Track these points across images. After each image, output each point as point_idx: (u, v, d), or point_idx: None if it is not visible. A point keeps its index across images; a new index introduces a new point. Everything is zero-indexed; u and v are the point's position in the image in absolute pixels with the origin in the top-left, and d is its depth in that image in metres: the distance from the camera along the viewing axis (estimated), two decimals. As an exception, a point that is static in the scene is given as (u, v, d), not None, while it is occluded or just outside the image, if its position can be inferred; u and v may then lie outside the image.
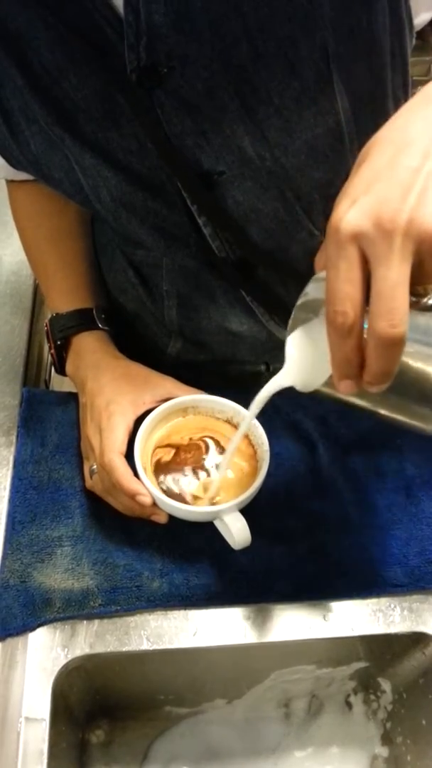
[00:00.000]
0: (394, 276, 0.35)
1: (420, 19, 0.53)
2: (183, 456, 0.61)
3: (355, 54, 0.50)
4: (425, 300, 0.37)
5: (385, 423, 0.45)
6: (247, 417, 0.51)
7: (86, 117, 0.54)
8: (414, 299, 0.36)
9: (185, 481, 0.60)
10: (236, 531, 0.56)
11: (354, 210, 0.36)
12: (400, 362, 0.37)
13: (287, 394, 0.46)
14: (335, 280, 0.37)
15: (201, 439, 0.62)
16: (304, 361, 0.43)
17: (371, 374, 0.38)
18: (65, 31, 0.50)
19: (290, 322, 0.44)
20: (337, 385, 0.40)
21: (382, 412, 0.44)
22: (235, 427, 0.63)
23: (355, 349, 0.37)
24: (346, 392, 0.40)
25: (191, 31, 0.48)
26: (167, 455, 0.61)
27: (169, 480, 0.60)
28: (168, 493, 0.58)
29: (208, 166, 0.55)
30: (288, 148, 0.54)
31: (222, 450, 0.61)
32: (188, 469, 0.60)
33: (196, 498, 0.58)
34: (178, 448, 0.62)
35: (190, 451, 0.61)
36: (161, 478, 0.60)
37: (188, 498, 0.58)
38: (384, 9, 0.49)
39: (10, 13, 0.50)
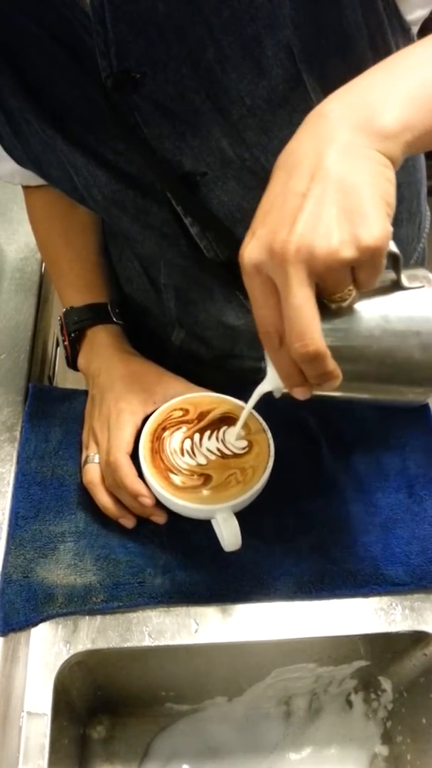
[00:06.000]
0: (296, 300, 0.37)
1: (416, 15, 0.52)
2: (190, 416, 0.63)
3: (326, 52, 0.50)
4: (341, 304, 0.41)
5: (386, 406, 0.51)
6: (246, 408, 0.57)
7: (75, 119, 0.55)
8: (334, 306, 0.41)
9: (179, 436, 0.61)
10: (227, 533, 0.56)
11: (252, 243, 0.39)
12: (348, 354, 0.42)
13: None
14: (254, 307, 0.41)
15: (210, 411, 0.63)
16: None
17: (312, 379, 0.41)
18: (48, 39, 0.51)
19: None
20: (291, 392, 0.43)
21: (362, 396, 0.48)
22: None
23: (290, 361, 0.41)
24: (301, 397, 0.43)
25: (157, 38, 0.48)
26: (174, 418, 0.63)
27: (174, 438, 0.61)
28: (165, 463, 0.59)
29: (190, 168, 0.56)
30: (266, 148, 0.54)
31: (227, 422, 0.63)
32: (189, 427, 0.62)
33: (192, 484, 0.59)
34: (186, 411, 0.63)
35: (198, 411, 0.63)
36: (165, 433, 0.61)
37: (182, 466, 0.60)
38: (355, 6, 0.48)
39: None
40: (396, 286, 0.43)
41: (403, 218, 0.68)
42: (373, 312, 0.43)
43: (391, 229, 0.38)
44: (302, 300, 0.38)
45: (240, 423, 0.59)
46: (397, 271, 0.43)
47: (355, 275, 0.38)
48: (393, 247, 0.41)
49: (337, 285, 0.39)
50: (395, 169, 0.40)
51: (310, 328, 0.38)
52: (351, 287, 0.39)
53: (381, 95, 0.40)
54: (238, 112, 0.52)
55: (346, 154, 0.38)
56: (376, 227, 0.37)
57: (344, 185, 0.37)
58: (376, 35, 0.50)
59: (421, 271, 0.45)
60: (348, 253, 0.37)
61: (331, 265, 0.37)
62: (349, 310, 0.42)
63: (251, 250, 0.39)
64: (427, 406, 0.73)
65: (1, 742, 0.54)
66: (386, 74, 0.42)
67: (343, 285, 0.39)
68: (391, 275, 0.44)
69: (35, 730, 0.55)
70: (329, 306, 0.40)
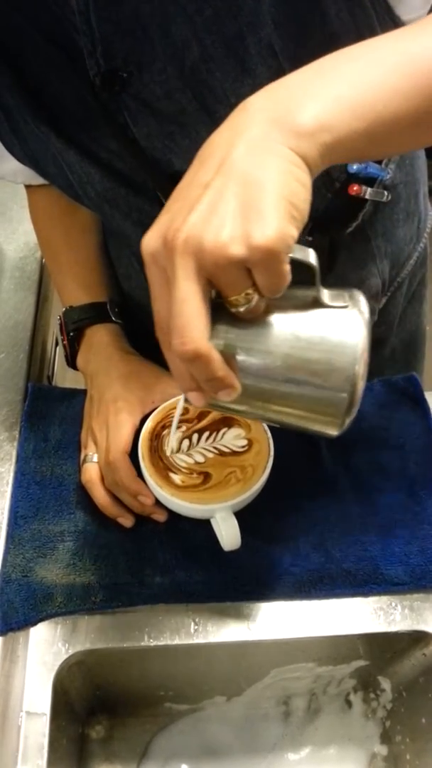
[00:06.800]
0: (179, 294, 0.35)
1: (412, 16, 0.52)
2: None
3: (310, 50, 0.47)
4: (239, 308, 0.37)
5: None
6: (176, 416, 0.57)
7: (69, 117, 0.55)
8: (233, 310, 0.38)
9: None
10: (226, 532, 0.56)
11: (152, 231, 0.37)
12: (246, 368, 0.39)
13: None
14: (152, 299, 0.38)
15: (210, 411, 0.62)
16: None
17: (202, 384, 0.38)
18: (43, 39, 0.51)
19: None
20: (187, 397, 0.40)
21: (268, 416, 0.43)
22: (239, 423, 0.63)
23: (180, 361, 0.38)
24: (197, 404, 0.40)
25: (142, 37, 0.48)
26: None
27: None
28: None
29: (180, 167, 0.56)
30: None
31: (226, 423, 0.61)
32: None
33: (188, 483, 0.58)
34: (185, 410, 0.62)
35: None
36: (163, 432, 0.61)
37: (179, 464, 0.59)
38: (339, 4, 0.48)
39: None
40: (317, 302, 0.40)
41: (400, 218, 0.68)
42: (284, 326, 0.39)
43: (292, 233, 0.35)
44: (186, 294, 0.35)
45: (173, 430, 0.58)
46: (315, 286, 0.40)
47: (253, 278, 0.36)
48: (311, 258, 0.38)
49: (230, 285, 0.36)
50: (313, 171, 0.37)
51: (191, 326, 0.35)
52: (250, 291, 0.36)
53: (306, 92, 0.38)
54: (224, 110, 0.51)
55: (256, 148, 0.36)
56: (270, 226, 0.34)
57: (247, 179, 0.35)
58: (364, 33, 0.50)
59: (350, 292, 0.41)
60: (236, 249, 0.34)
61: (218, 261, 0.34)
62: (259, 320, 0.39)
63: (149, 239, 0.37)
64: (427, 406, 0.73)
65: (0, 742, 0.54)
66: (319, 72, 0.39)
67: (238, 286, 0.36)
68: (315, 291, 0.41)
69: (34, 729, 0.55)
70: (230, 311, 0.37)
